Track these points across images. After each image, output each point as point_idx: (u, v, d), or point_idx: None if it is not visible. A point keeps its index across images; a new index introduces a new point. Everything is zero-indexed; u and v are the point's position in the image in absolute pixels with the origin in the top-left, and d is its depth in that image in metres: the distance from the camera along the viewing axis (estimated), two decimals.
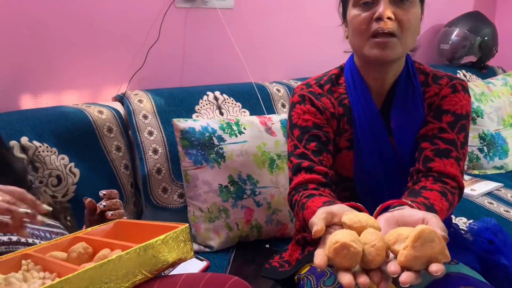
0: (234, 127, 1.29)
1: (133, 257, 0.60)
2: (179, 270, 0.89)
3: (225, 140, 1.25)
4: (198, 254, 1.19)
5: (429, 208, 0.72)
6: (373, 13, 0.81)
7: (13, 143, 1.07)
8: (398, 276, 0.51)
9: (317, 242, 0.60)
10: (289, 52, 1.76)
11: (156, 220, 0.91)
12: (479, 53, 2.08)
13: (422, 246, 0.50)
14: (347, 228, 0.58)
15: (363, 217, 0.58)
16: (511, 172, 1.80)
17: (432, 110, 0.89)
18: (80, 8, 1.31)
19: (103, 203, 0.80)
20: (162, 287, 0.62)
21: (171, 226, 0.68)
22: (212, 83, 1.53)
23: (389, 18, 0.80)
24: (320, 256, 0.53)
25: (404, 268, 0.51)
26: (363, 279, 0.52)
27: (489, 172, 1.79)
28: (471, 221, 1.36)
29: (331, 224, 0.61)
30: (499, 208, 1.48)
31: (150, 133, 1.30)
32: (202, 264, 1.14)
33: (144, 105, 1.33)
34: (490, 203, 1.52)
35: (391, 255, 0.55)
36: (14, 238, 0.78)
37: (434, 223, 0.56)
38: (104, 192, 0.80)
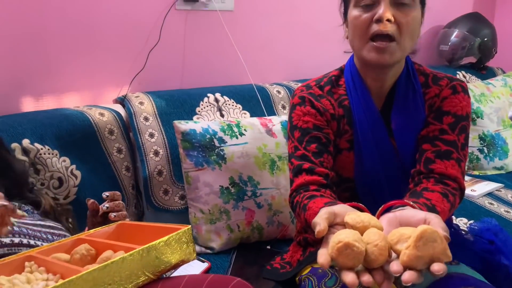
0: (235, 129, 1.29)
1: (136, 259, 0.60)
2: (181, 272, 0.89)
3: (226, 142, 1.26)
4: (199, 256, 1.19)
5: (431, 209, 0.73)
6: (373, 14, 0.81)
7: (14, 145, 1.07)
8: (400, 276, 0.52)
9: (319, 242, 0.60)
10: (289, 54, 1.77)
11: (157, 222, 0.91)
12: (479, 54, 2.08)
13: (424, 245, 0.51)
14: (350, 228, 0.58)
15: (366, 217, 0.59)
16: (511, 173, 1.80)
17: (433, 111, 0.90)
18: (80, 11, 1.32)
19: (106, 204, 0.81)
20: None
21: (173, 228, 0.69)
22: (213, 85, 1.53)
23: (388, 20, 0.80)
24: (323, 256, 0.54)
25: (406, 268, 0.52)
26: (366, 277, 0.52)
27: (489, 172, 1.79)
28: (471, 221, 1.37)
29: (334, 224, 0.61)
30: (500, 209, 1.48)
31: (151, 135, 1.31)
32: (204, 265, 1.14)
33: (145, 107, 1.33)
34: (491, 203, 1.52)
35: (394, 254, 0.55)
36: (16, 240, 0.78)
37: (436, 223, 0.56)
38: (107, 193, 0.81)
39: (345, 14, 0.90)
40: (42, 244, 0.80)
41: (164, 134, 1.32)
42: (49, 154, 1.12)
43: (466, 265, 0.87)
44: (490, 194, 1.59)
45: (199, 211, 1.24)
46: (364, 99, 0.90)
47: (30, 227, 0.82)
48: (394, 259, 0.54)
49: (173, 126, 1.27)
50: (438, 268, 0.50)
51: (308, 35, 1.78)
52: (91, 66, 1.38)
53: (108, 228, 0.80)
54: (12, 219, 0.67)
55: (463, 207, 1.48)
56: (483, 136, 1.81)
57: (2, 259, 0.68)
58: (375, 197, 0.92)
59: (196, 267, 1.13)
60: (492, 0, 2.40)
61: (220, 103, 1.44)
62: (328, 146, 0.89)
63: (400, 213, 0.63)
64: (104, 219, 0.83)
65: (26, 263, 0.67)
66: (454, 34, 2.06)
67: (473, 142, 1.80)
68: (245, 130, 1.30)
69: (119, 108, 1.35)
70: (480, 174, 1.78)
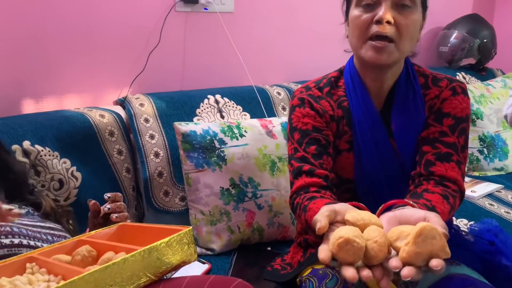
0: (235, 130, 1.29)
1: (138, 260, 0.60)
2: (181, 273, 0.90)
3: (226, 143, 1.26)
4: (200, 257, 1.19)
5: (431, 210, 0.73)
6: (374, 15, 0.82)
7: (15, 147, 1.07)
8: (398, 276, 0.52)
9: (320, 243, 0.60)
10: (289, 56, 1.77)
11: (157, 223, 0.91)
12: (478, 55, 2.09)
13: (423, 242, 0.51)
14: (350, 225, 0.59)
15: (366, 215, 0.60)
16: (511, 174, 1.80)
17: (433, 113, 0.90)
18: (80, 13, 1.32)
19: (108, 205, 0.81)
20: None
21: (174, 229, 0.69)
22: (213, 86, 1.54)
23: (388, 22, 0.80)
24: (324, 252, 0.55)
25: (405, 264, 0.52)
26: (366, 272, 0.53)
27: (489, 173, 1.79)
28: (472, 222, 1.37)
29: (334, 222, 0.62)
30: (500, 210, 1.48)
31: (152, 137, 1.31)
32: (204, 267, 1.14)
33: (145, 109, 1.33)
34: (491, 204, 1.52)
35: (393, 252, 0.56)
36: (16, 241, 0.78)
37: (435, 221, 0.57)
38: (108, 195, 0.81)
39: (347, 13, 0.90)
40: (42, 245, 0.80)
41: (164, 135, 1.32)
42: (49, 155, 1.12)
43: (466, 266, 0.87)
44: (490, 195, 1.59)
45: (199, 212, 1.24)
46: (364, 100, 0.90)
47: (29, 228, 0.83)
48: (393, 256, 0.54)
49: (173, 128, 1.27)
50: (436, 264, 0.51)
51: (308, 37, 1.79)
52: (91, 68, 1.38)
53: (109, 230, 0.80)
54: (12, 219, 0.67)
55: (464, 208, 1.49)
56: (483, 137, 1.82)
57: (3, 260, 0.68)
58: (375, 197, 0.92)
59: (196, 269, 1.13)
60: (491, 1, 2.41)
61: (220, 105, 1.44)
62: (328, 148, 0.89)
63: (400, 212, 0.64)
64: (105, 220, 0.83)
65: (28, 264, 0.67)
66: (454, 35, 2.06)
67: (473, 143, 1.80)
68: (245, 131, 1.30)
69: (119, 109, 1.35)
70: (480, 175, 1.79)
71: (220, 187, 1.23)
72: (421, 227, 0.52)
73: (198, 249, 1.23)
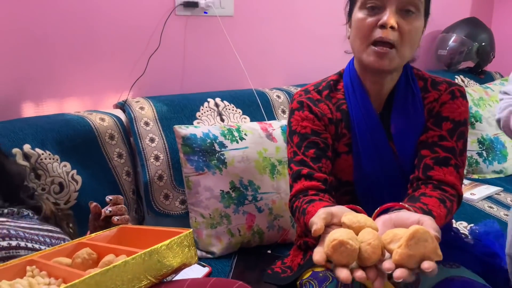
0: (235, 133, 1.30)
1: (139, 263, 0.60)
2: (181, 277, 0.89)
3: (227, 146, 1.26)
4: (200, 260, 1.19)
5: (427, 214, 0.73)
6: (378, 19, 0.82)
7: (15, 150, 1.08)
8: (393, 278, 0.53)
9: (318, 241, 0.61)
10: (289, 59, 1.78)
11: (158, 226, 0.91)
12: (477, 59, 2.09)
13: (415, 245, 0.53)
14: (346, 228, 0.60)
15: (362, 218, 0.61)
16: (510, 176, 1.81)
17: (432, 117, 0.90)
18: (81, 17, 1.33)
19: (109, 208, 0.81)
20: None
21: (174, 232, 0.69)
22: (213, 89, 1.54)
23: (392, 27, 0.80)
24: (319, 253, 0.56)
25: (398, 266, 0.54)
26: (359, 273, 0.54)
27: (488, 176, 1.80)
28: (471, 225, 1.37)
29: (331, 224, 0.63)
30: (499, 212, 1.49)
31: (152, 140, 1.31)
32: (205, 270, 1.14)
33: (145, 112, 1.34)
34: (490, 207, 1.53)
35: (387, 254, 0.57)
36: (14, 243, 0.78)
37: (428, 224, 0.58)
38: (110, 197, 0.81)
39: (350, 14, 0.90)
40: (40, 247, 0.80)
41: (164, 139, 1.33)
42: (50, 159, 1.12)
43: (466, 268, 0.87)
44: (489, 198, 1.60)
45: (199, 215, 1.24)
46: (363, 102, 0.91)
47: (27, 230, 0.82)
48: (387, 259, 0.55)
49: (173, 131, 1.28)
50: (428, 266, 0.52)
51: (307, 40, 1.80)
52: (91, 71, 1.38)
53: (109, 232, 0.80)
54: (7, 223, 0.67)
55: (463, 210, 1.49)
56: (482, 140, 1.82)
57: (4, 263, 0.68)
58: (374, 200, 0.92)
59: (197, 272, 1.13)
60: (489, 5, 2.42)
61: (220, 108, 1.45)
62: (326, 151, 0.90)
63: (395, 215, 0.64)
64: (106, 223, 0.83)
65: (28, 267, 0.67)
66: (452, 39, 2.07)
67: (472, 146, 1.80)
68: (245, 134, 1.30)
69: (119, 113, 1.35)
70: (480, 178, 1.79)
71: (220, 190, 1.24)
72: (414, 230, 0.53)
73: (198, 253, 1.23)
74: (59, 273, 0.64)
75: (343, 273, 0.54)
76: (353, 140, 0.91)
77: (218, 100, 1.46)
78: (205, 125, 1.37)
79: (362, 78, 0.91)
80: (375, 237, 0.56)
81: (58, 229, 0.92)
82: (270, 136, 1.34)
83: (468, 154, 1.79)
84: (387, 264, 0.54)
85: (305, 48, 1.80)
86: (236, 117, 1.45)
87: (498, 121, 1.04)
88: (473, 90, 1.93)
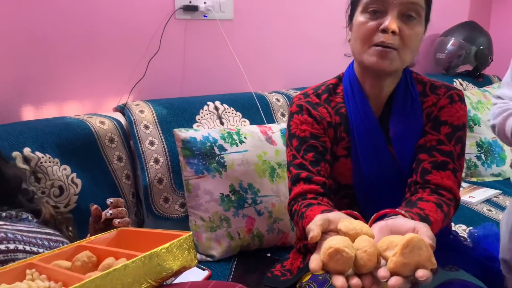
0: (235, 137, 1.30)
1: (139, 266, 0.60)
2: (181, 280, 0.89)
3: (226, 150, 1.26)
4: (200, 264, 1.19)
5: (424, 219, 0.73)
6: (379, 23, 0.82)
7: (15, 154, 1.08)
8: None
9: (315, 247, 0.61)
10: (288, 62, 1.78)
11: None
12: (475, 62, 2.10)
13: (410, 253, 0.53)
14: (343, 234, 0.60)
15: (358, 225, 0.61)
16: (509, 179, 1.81)
17: (431, 121, 0.90)
18: (81, 20, 1.33)
19: (110, 211, 0.81)
20: None
21: (174, 234, 0.69)
22: (213, 93, 1.55)
23: (393, 32, 0.81)
24: (315, 261, 0.56)
25: (393, 274, 0.54)
26: (355, 281, 0.55)
27: (487, 179, 1.80)
28: (470, 228, 1.37)
29: (328, 231, 0.63)
30: (498, 215, 1.49)
31: (151, 143, 1.31)
32: (204, 273, 1.14)
33: (145, 116, 1.34)
34: (489, 210, 1.53)
35: (383, 261, 0.57)
36: (11, 246, 0.78)
37: (423, 232, 0.58)
38: (111, 200, 0.81)
39: (351, 17, 0.90)
40: (38, 250, 0.80)
41: (164, 142, 1.33)
42: (50, 162, 1.12)
43: (465, 271, 0.87)
44: (488, 201, 1.60)
45: (199, 218, 1.24)
46: (362, 106, 0.91)
47: (25, 233, 0.82)
48: (382, 266, 0.56)
49: (173, 134, 1.28)
50: (422, 274, 0.52)
51: (307, 44, 1.80)
52: (91, 75, 1.39)
53: (109, 235, 0.80)
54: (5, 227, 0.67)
55: (462, 214, 1.49)
56: (480, 143, 1.83)
57: (3, 267, 0.68)
58: (373, 203, 0.92)
59: (196, 275, 1.13)
60: (487, 8, 2.43)
61: (220, 111, 1.45)
62: (325, 155, 0.90)
63: (391, 222, 0.64)
64: (107, 226, 0.83)
65: (28, 271, 0.67)
66: (451, 42, 2.08)
67: (471, 149, 1.81)
68: (245, 137, 1.31)
69: (119, 116, 1.36)
70: (478, 181, 1.79)
71: (220, 193, 1.24)
72: (409, 238, 0.53)
73: (198, 256, 1.23)
74: (58, 277, 0.64)
75: (339, 281, 0.54)
76: (352, 144, 0.91)
77: (217, 103, 1.46)
78: (204, 129, 1.37)
79: (361, 82, 0.92)
80: (371, 245, 0.56)
81: (57, 232, 0.92)
82: (269, 139, 1.34)
83: (467, 157, 1.79)
84: (382, 272, 0.54)
85: (305, 52, 1.81)
86: (235, 121, 1.46)
87: (493, 127, 1.03)
88: (471, 93, 1.94)
